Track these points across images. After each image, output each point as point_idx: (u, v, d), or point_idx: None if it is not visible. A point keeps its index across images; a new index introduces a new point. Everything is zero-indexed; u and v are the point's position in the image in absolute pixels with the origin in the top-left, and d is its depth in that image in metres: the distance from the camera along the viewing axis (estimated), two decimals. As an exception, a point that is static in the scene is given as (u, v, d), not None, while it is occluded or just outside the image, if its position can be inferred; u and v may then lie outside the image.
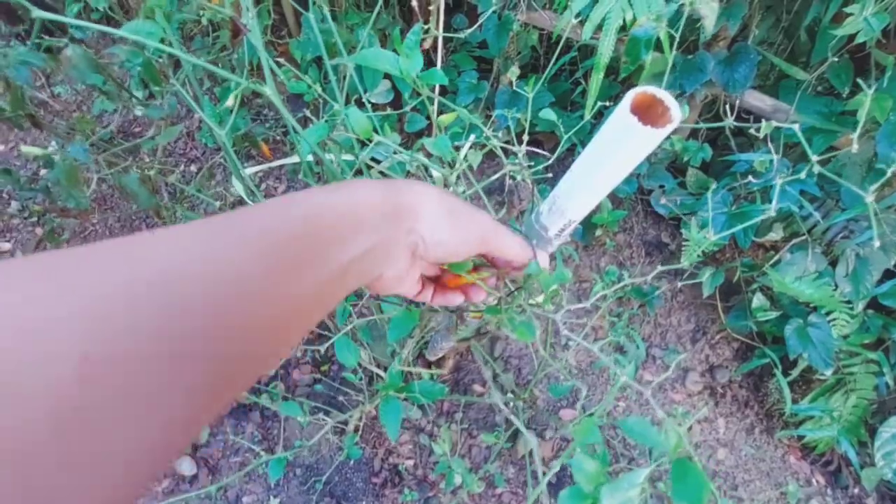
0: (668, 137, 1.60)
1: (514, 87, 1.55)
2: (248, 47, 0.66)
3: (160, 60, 1.12)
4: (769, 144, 0.62)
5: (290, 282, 0.23)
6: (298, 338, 0.26)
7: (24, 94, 0.89)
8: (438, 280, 0.42)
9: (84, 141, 1.21)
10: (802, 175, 0.49)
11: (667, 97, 0.39)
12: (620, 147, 0.39)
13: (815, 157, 0.47)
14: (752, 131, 0.57)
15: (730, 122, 0.60)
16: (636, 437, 0.57)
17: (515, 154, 0.70)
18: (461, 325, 0.73)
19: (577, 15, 1.17)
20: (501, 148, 0.72)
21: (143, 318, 0.18)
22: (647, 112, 0.39)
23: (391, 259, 0.31)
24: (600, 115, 1.67)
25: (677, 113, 0.39)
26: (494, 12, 1.56)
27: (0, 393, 0.14)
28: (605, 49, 1.02)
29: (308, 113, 0.81)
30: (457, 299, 0.41)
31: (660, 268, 0.59)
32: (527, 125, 0.65)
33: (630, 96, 0.39)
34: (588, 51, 1.69)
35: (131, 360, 0.17)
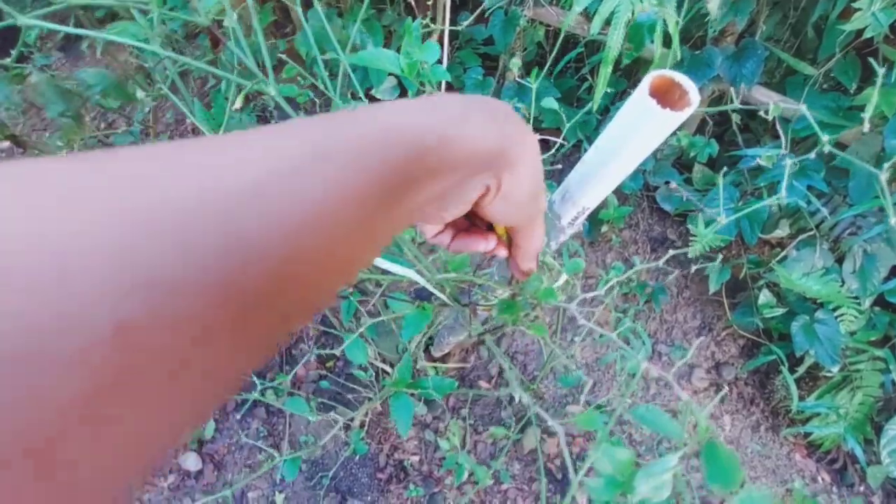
0: (675, 133, 1.60)
1: (518, 79, 1.54)
2: (230, 52, 0.66)
3: (147, 66, 1.11)
4: (779, 129, 0.61)
5: (378, 214, 0.20)
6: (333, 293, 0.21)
7: (3, 122, 0.89)
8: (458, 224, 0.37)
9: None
10: (812, 155, 0.49)
11: (685, 80, 0.39)
12: (638, 130, 0.39)
13: (825, 137, 0.47)
14: (761, 114, 0.57)
15: (735, 105, 0.60)
16: (649, 425, 0.56)
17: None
18: (474, 318, 0.73)
19: (585, 10, 1.17)
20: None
21: (207, 266, 0.14)
22: (665, 95, 0.39)
23: (457, 202, 0.28)
24: (606, 111, 1.67)
25: (695, 96, 0.39)
26: (501, 8, 1.56)
27: (11, 374, 0.11)
28: (614, 43, 1.02)
29: (302, 115, 0.80)
30: (479, 245, 0.36)
31: (671, 251, 0.59)
32: (531, 117, 0.65)
33: (648, 79, 0.39)
34: (594, 46, 1.69)
35: (185, 326, 0.13)
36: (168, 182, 0.14)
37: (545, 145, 0.68)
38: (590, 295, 0.58)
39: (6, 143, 2.17)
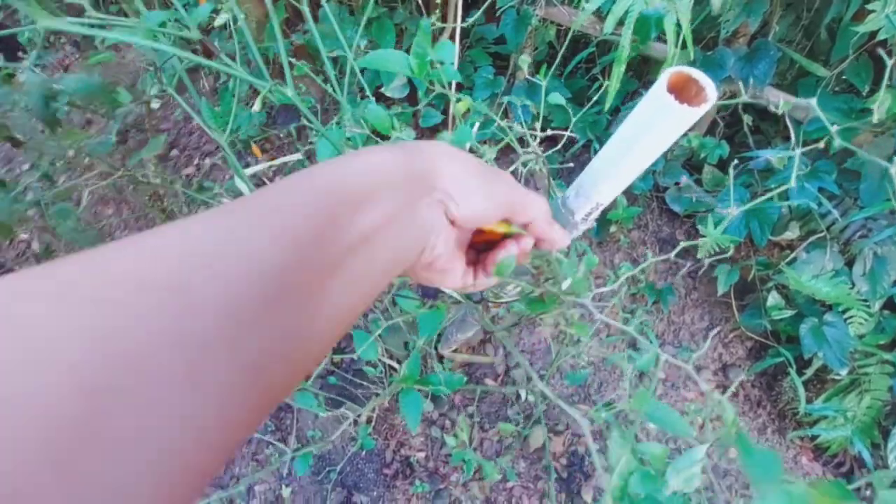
0: (686, 134, 1.60)
1: (528, 76, 1.54)
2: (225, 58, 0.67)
3: (150, 68, 1.12)
4: (790, 128, 0.61)
5: (311, 259, 0.22)
6: (339, 324, 0.24)
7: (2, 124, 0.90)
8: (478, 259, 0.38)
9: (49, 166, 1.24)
10: (821, 145, 0.49)
11: (702, 77, 0.40)
12: (655, 126, 0.39)
13: (834, 127, 0.47)
14: (771, 108, 0.57)
15: (745, 98, 0.59)
16: (659, 422, 0.57)
17: (532, 143, 0.70)
18: (486, 315, 0.73)
19: (598, 10, 1.17)
20: (518, 140, 0.73)
21: (155, 333, 0.16)
22: (682, 92, 0.40)
23: (424, 225, 0.29)
24: (617, 112, 1.67)
25: (713, 92, 0.39)
26: (512, 7, 1.56)
27: None
28: (628, 42, 1.02)
29: (305, 120, 0.80)
30: (502, 256, 0.37)
31: (683, 243, 0.59)
32: (540, 113, 0.66)
33: (666, 75, 0.39)
34: (606, 47, 1.69)
35: (142, 386, 0.15)
36: (131, 269, 0.17)
37: (552, 143, 0.68)
38: (603, 290, 0.59)
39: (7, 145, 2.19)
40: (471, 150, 0.59)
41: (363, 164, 0.27)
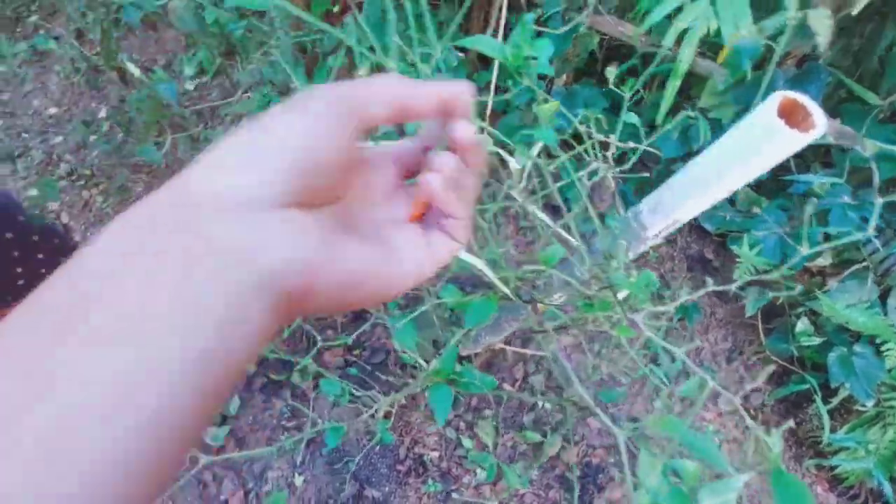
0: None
1: (613, 86, 1.54)
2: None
3: (251, 34, 1.13)
4: (875, 174, 0.61)
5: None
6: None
7: (115, 50, 0.93)
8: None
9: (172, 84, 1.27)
10: None
11: (810, 104, 0.39)
12: (761, 148, 0.39)
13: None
14: (857, 148, 0.56)
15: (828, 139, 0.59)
16: (696, 451, 0.56)
17: (602, 153, 0.70)
18: (533, 315, 0.73)
19: (650, 25, 1.17)
20: (575, 149, 0.72)
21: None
22: (790, 117, 0.39)
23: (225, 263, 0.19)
24: (652, 125, 1.66)
25: (821, 119, 0.39)
26: (558, 13, 1.56)
27: None
28: (686, 57, 1.02)
29: None
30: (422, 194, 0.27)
31: (743, 278, 0.58)
32: (619, 127, 0.65)
33: (776, 99, 0.39)
34: (649, 59, 1.68)
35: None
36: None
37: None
38: (662, 309, 0.58)
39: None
40: (549, 155, 0.59)
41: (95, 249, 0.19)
